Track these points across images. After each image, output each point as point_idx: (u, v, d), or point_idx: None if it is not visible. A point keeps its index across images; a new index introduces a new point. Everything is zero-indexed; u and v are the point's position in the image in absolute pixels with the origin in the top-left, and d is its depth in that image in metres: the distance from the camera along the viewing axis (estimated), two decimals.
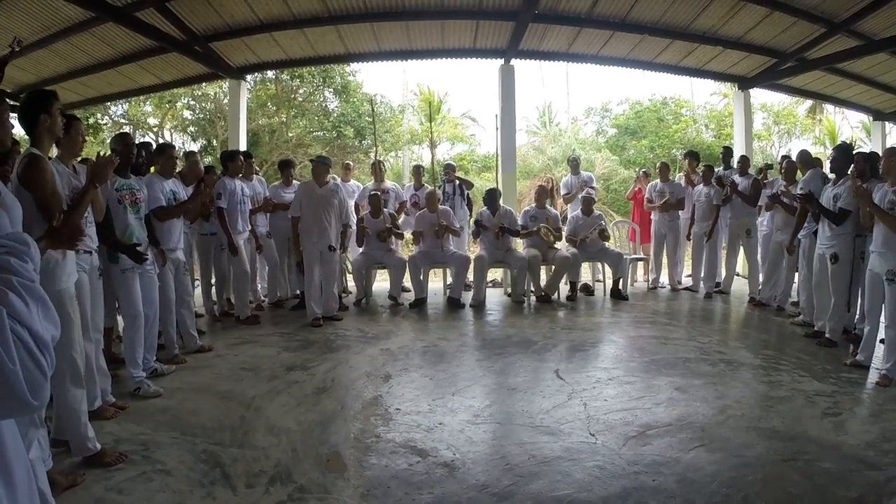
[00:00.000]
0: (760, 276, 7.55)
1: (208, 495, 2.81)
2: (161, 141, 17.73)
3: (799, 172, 6.51)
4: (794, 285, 6.76)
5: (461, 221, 8.20)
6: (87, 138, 3.73)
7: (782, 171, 7.00)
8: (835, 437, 3.43)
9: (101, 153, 3.41)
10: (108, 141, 4.46)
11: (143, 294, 4.29)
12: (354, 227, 7.52)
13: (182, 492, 2.84)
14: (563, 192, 9.36)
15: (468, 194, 8.59)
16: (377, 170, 8.33)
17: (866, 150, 7.75)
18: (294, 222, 6.47)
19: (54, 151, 3.27)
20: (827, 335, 5.41)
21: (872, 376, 4.53)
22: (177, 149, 5.45)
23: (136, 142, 4.73)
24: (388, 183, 8.67)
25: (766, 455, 3.19)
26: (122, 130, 14.98)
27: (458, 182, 8.61)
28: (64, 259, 2.85)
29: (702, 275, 8.07)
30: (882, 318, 4.63)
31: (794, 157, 6.70)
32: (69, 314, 2.89)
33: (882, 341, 4.67)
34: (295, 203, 6.48)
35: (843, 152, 5.46)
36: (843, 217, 5.09)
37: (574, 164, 9.37)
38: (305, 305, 6.50)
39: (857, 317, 5.52)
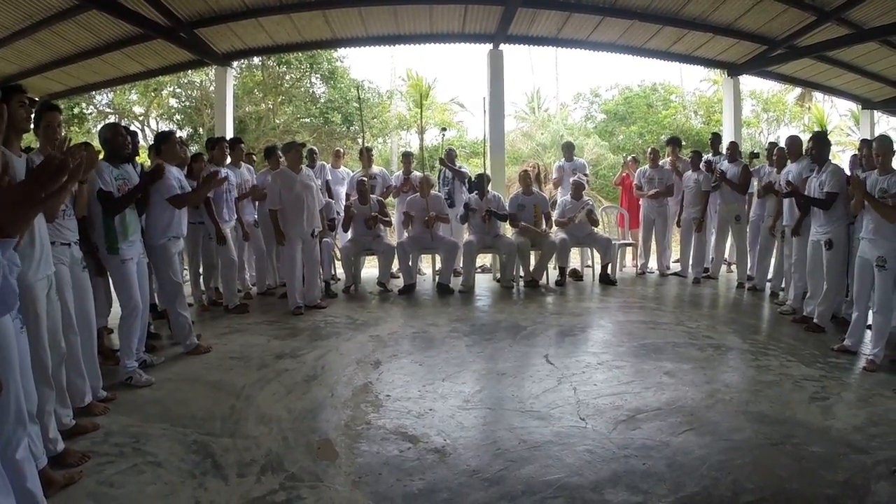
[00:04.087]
0: (748, 261, 7.61)
1: (200, 486, 2.79)
2: (147, 129, 17.61)
3: (786, 157, 6.52)
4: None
5: (459, 207, 8.12)
6: (71, 127, 3.68)
7: (773, 157, 7.01)
8: (823, 422, 3.46)
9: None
10: (98, 130, 4.42)
11: (139, 284, 4.27)
12: (342, 214, 7.48)
13: (173, 483, 2.82)
14: (553, 175, 9.34)
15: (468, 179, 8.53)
16: (365, 156, 8.28)
17: (854, 138, 7.76)
18: (274, 216, 6.27)
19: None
20: (815, 320, 5.46)
21: (860, 361, 4.58)
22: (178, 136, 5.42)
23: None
24: (375, 168, 8.61)
25: (754, 439, 3.22)
26: (109, 121, 14.77)
27: (458, 167, 8.55)
28: (31, 251, 2.76)
29: (690, 260, 8.10)
30: (870, 304, 4.68)
31: (782, 144, 6.71)
32: (36, 311, 2.81)
33: (869, 327, 4.72)
34: (272, 196, 6.26)
35: (821, 140, 5.51)
36: (831, 201, 5.13)
37: (567, 149, 9.31)
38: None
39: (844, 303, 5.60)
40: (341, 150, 9.24)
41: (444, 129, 11.22)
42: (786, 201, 6.03)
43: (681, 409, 3.64)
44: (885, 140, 4.67)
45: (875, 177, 4.61)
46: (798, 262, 5.85)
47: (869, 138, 6.28)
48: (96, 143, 4.48)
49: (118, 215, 4.09)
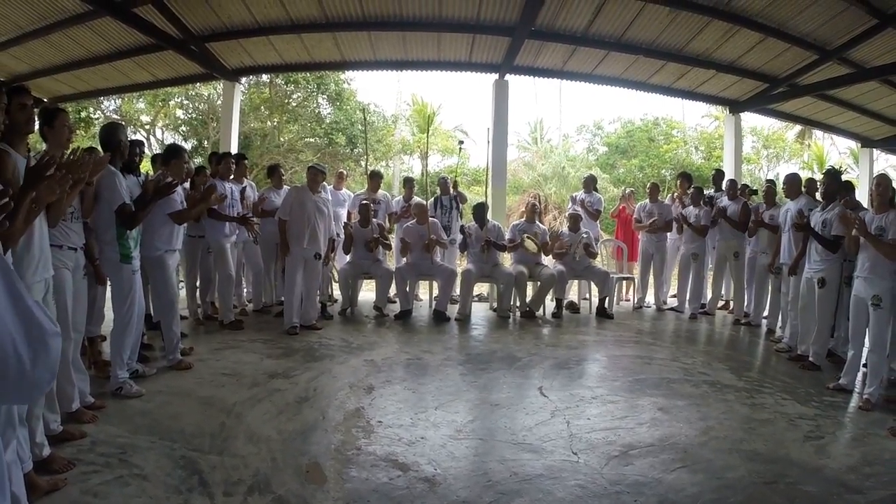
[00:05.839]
0: (745, 298, 7.62)
1: (185, 502, 2.76)
2: (153, 138, 17.68)
3: (783, 195, 6.56)
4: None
5: (454, 234, 8.18)
6: (77, 132, 3.70)
7: (763, 193, 7.15)
8: (817, 461, 3.44)
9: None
10: (99, 130, 4.44)
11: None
12: (342, 236, 7.49)
13: (158, 498, 2.78)
14: (569, 206, 9.33)
15: (461, 208, 8.59)
16: (375, 180, 8.28)
17: (853, 175, 7.86)
18: (282, 225, 6.37)
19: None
20: (810, 359, 5.46)
21: (855, 400, 4.58)
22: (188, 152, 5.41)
23: (130, 138, 4.65)
24: (379, 193, 8.64)
25: (747, 477, 3.19)
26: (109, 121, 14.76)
27: (453, 195, 8.58)
28: (28, 253, 2.76)
29: (687, 295, 8.10)
30: (866, 343, 4.69)
31: (781, 181, 6.77)
32: None
33: (865, 366, 4.72)
34: (284, 206, 6.39)
35: (834, 178, 5.52)
36: (839, 244, 5.14)
37: (589, 182, 9.14)
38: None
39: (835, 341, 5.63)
40: (344, 172, 9.26)
41: (461, 142, 11.36)
42: (784, 239, 6.06)
43: (674, 445, 3.61)
44: (882, 179, 4.73)
45: (871, 215, 4.66)
46: (794, 301, 5.85)
47: (851, 184, 6.35)
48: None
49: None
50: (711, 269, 8.15)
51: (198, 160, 14.71)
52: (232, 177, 6.62)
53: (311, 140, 18.08)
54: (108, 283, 4.35)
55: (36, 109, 3.08)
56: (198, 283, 6.61)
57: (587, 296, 8.48)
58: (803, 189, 6.14)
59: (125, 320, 4.15)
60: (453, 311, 7.52)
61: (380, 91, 49.23)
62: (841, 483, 3.15)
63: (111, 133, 4.19)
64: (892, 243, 4.42)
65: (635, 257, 8.85)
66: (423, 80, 64.68)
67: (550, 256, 7.99)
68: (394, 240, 8.34)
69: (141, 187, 4.45)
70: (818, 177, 6.09)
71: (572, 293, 8.63)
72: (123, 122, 16.78)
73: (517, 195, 19.32)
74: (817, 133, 21.73)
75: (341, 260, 7.78)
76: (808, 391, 4.77)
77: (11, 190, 2.49)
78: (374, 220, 7.50)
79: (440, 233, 7.59)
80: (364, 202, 7.53)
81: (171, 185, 4.49)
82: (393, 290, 7.68)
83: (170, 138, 18.40)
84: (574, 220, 8.02)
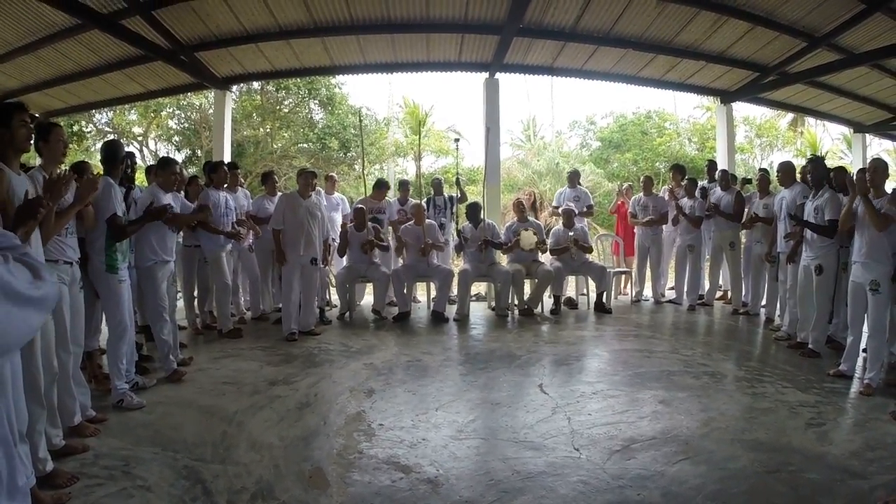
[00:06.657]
0: (743, 288, 7.63)
1: None
2: (146, 149, 17.65)
3: (778, 183, 6.56)
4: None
5: (447, 235, 8.17)
6: (70, 145, 3.73)
7: (757, 182, 7.16)
8: (819, 448, 3.44)
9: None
10: (101, 147, 4.51)
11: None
12: (337, 240, 7.47)
13: None
14: (554, 203, 9.35)
15: (456, 209, 8.57)
16: (381, 190, 8.24)
17: (847, 161, 7.87)
18: (276, 235, 6.37)
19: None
20: (810, 346, 5.46)
21: (856, 386, 4.59)
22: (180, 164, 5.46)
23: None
24: (383, 201, 8.55)
25: (750, 467, 3.19)
26: (109, 138, 14.74)
27: (448, 196, 8.56)
28: None
29: (685, 287, 8.11)
30: (865, 328, 4.70)
31: (775, 170, 6.78)
32: None
33: (865, 351, 4.72)
34: (276, 216, 6.40)
35: (819, 165, 5.58)
36: (834, 229, 5.13)
37: (571, 177, 9.21)
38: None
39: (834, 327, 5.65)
40: (334, 176, 9.22)
41: (457, 140, 11.42)
42: (780, 227, 6.07)
43: (676, 438, 3.61)
44: (877, 163, 4.74)
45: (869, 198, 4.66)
46: (793, 288, 5.86)
47: (864, 167, 6.37)
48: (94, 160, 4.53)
49: None
50: (708, 260, 8.16)
51: (192, 170, 14.72)
52: (225, 185, 6.61)
53: (305, 146, 18.07)
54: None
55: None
56: (195, 293, 6.59)
57: (585, 291, 8.48)
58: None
59: (117, 330, 4.16)
60: (452, 311, 7.51)
61: (371, 94, 49.24)
62: (844, 469, 3.16)
63: (115, 150, 4.32)
64: (884, 216, 4.44)
65: (632, 251, 8.84)
66: (414, 81, 64.59)
67: (548, 252, 7.97)
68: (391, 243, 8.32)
69: (136, 202, 4.59)
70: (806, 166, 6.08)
71: (570, 289, 8.63)
72: (116, 135, 16.80)
73: (512, 193, 19.31)
74: (810, 120, 21.75)
75: (338, 264, 7.76)
76: (808, 378, 4.78)
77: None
78: (369, 223, 7.47)
79: (437, 236, 7.58)
80: (359, 207, 7.50)
81: (165, 208, 4.60)
82: (391, 293, 7.66)
83: (163, 149, 18.40)
84: (568, 217, 8.01)
